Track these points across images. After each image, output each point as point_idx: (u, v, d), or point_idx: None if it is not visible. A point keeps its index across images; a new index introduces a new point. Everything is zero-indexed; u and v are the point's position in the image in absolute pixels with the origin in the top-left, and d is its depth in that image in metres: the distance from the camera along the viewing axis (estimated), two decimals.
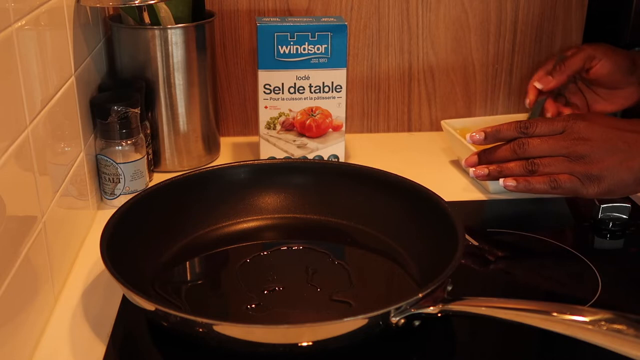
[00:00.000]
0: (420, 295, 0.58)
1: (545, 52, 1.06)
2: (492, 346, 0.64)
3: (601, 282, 0.70)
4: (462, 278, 0.63)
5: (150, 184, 0.87)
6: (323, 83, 0.91)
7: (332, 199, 0.80)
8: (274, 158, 0.94)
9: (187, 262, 0.75)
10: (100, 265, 0.63)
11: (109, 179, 0.83)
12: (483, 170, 0.80)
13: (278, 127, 0.93)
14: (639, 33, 0.98)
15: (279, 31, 0.88)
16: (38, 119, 0.63)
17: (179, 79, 0.90)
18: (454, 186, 0.92)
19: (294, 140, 0.94)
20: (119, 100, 0.82)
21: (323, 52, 0.89)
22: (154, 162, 0.93)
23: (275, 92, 0.91)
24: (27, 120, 0.60)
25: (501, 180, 0.78)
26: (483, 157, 0.81)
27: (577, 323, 0.53)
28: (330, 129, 0.94)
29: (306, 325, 0.56)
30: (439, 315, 0.58)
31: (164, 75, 0.90)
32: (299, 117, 0.93)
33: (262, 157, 0.94)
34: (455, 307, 0.58)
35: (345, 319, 0.56)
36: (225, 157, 1.00)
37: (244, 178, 0.80)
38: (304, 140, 0.94)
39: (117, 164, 0.83)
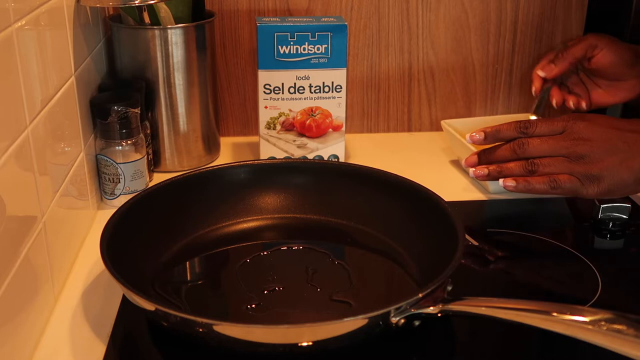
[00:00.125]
0: (420, 295, 0.58)
1: (545, 51, 1.05)
2: (492, 346, 0.64)
3: (601, 282, 0.70)
4: (462, 278, 0.63)
5: (150, 184, 0.87)
6: (323, 83, 0.91)
7: (332, 199, 0.80)
8: (274, 158, 0.94)
9: (187, 262, 0.75)
10: (100, 265, 0.63)
11: (109, 179, 0.83)
12: (483, 170, 0.80)
13: (278, 127, 0.93)
14: (639, 33, 0.98)
15: (279, 31, 0.88)
16: (38, 119, 0.63)
17: (179, 79, 0.90)
18: (454, 186, 0.92)
19: (294, 140, 0.94)
20: (119, 100, 0.82)
21: (323, 52, 0.89)
22: (154, 162, 0.93)
23: (275, 92, 0.91)
24: (27, 120, 0.60)
25: (501, 180, 0.78)
26: (483, 157, 0.81)
27: (577, 323, 0.53)
28: (330, 129, 0.94)
29: (306, 325, 0.56)
30: (439, 315, 0.58)
31: (164, 75, 0.90)
32: (299, 117, 0.93)
33: (262, 157, 0.94)
34: (455, 307, 0.58)
35: (345, 319, 0.56)
36: (225, 157, 1.00)
37: (244, 178, 0.80)
38: (304, 140, 0.94)
39: (117, 164, 0.83)
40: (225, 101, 1.05)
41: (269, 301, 0.66)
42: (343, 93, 0.92)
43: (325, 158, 0.95)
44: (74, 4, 0.77)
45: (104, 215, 0.75)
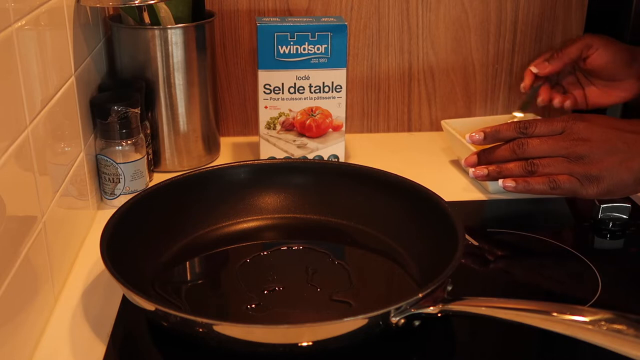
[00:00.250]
0: (420, 295, 0.58)
1: (545, 51, 1.05)
2: (492, 346, 0.64)
3: (601, 282, 0.70)
4: (462, 278, 0.63)
5: (150, 184, 0.87)
6: (323, 83, 0.91)
7: (332, 199, 0.80)
8: (274, 158, 0.94)
9: (187, 262, 0.75)
10: (100, 265, 0.63)
11: (109, 179, 0.83)
12: (482, 170, 0.80)
13: (278, 127, 0.93)
14: (639, 33, 0.98)
15: (279, 31, 0.88)
16: (38, 119, 0.63)
17: (179, 79, 0.90)
18: (454, 186, 0.92)
19: (294, 140, 0.94)
20: (119, 100, 0.82)
21: (323, 52, 0.89)
22: (154, 162, 0.93)
23: (275, 92, 0.91)
24: (27, 120, 0.60)
25: (500, 180, 0.79)
26: (482, 157, 0.81)
27: (577, 323, 0.53)
28: (330, 129, 0.94)
29: (306, 325, 0.56)
30: (439, 315, 0.58)
31: (164, 75, 0.90)
32: (299, 117, 0.93)
33: (262, 157, 0.94)
34: (455, 307, 0.58)
35: (345, 319, 0.56)
36: (225, 157, 1.00)
37: (244, 178, 0.80)
38: (304, 140, 0.94)
39: (117, 164, 0.83)
40: (225, 101, 1.05)
41: (269, 301, 0.66)
42: (343, 93, 0.92)
43: (325, 158, 0.95)
44: (74, 4, 0.77)
45: (104, 215, 0.75)
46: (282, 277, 0.70)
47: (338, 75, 0.91)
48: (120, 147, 0.83)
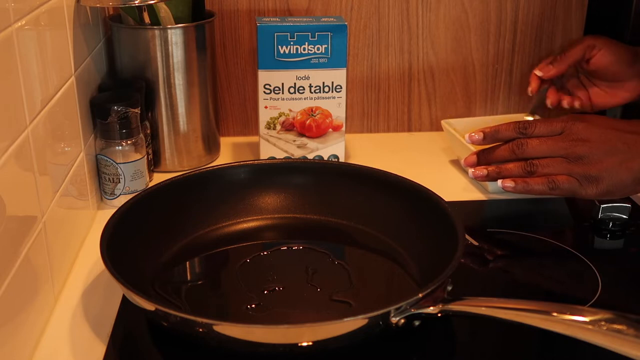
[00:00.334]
0: (420, 295, 0.58)
1: (545, 52, 1.06)
2: (492, 346, 0.64)
3: (601, 282, 0.70)
4: (462, 278, 0.63)
5: (150, 184, 0.87)
6: (323, 83, 0.91)
7: (332, 199, 0.80)
8: (274, 158, 0.94)
9: (187, 262, 0.75)
10: (100, 265, 0.63)
11: (109, 179, 0.83)
12: (482, 171, 0.80)
13: (278, 127, 0.93)
14: (639, 33, 0.98)
15: (279, 31, 0.88)
16: (38, 119, 0.63)
17: (179, 79, 0.90)
18: (454, 186, 0.92)
19: (294, 140, 0.94)
20: (119, 100, 0.82)
21: (323, 52, 0.89)
22: (154, 162, 0.93)
23: (275, 92, 0.91)
24: (27, 120, 0.60)
25: (499, 181, 0.78)
26: (482, 157, 0.81)
27: (577, 323, 0.53)
28: (330, 129, 0.94)
29: (306, 325, 0.56)
30: (439, 315, 0.58)
31: (164, 75, 0.90)
32: (299, 117, 0.93)
33: (262, 157, 0.94)
34: (455, 307, 0.58)
35: (345, 319, 0.56)
36: (225, 157, 1.00)
37: (244, 178, 0.80)
38: (304, 140, 0.94)
39: (117, 164, 0.83)
40: (225, 101, 1.05)
41: (269, 301, 0.66)
42: (343, 93, 0.92)
43: (325, 158, 0.95)
44: (74, 4, 0.77)
45: (104, 215, 0.75)
46: (282, 277, 0.70)
47: (338, 75, 0.91)
48: (120, 147, 0.83)
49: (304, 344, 0.56)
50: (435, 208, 0.71)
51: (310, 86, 0.91)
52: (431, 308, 0.58)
